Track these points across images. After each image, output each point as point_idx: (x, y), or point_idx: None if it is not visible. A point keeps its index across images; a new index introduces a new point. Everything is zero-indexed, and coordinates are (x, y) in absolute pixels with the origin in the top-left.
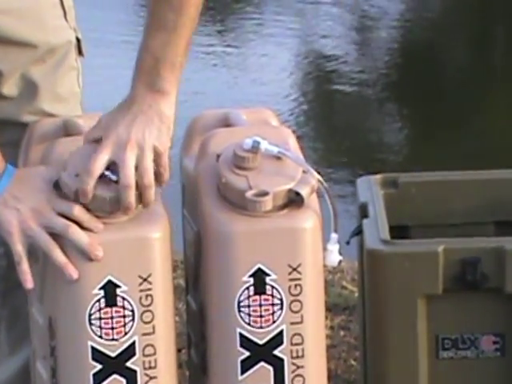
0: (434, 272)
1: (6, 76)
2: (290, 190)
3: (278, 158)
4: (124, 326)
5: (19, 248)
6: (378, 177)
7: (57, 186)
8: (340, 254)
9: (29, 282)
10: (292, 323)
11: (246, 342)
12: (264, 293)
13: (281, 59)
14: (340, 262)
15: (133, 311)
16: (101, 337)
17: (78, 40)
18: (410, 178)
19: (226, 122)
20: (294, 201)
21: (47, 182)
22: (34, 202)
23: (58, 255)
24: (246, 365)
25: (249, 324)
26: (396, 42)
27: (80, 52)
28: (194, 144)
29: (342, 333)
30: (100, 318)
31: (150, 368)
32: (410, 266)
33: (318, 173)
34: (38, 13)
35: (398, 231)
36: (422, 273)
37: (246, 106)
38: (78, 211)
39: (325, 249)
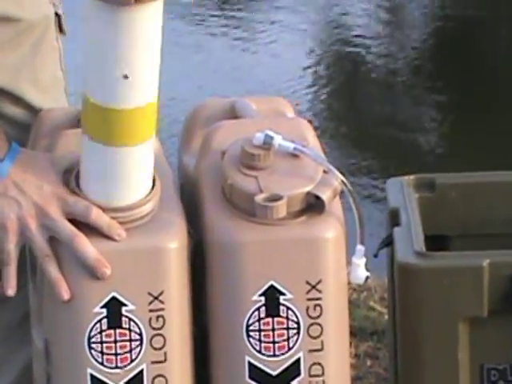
0: (479, 290)
1: None
2: (308, 194)
3: (293, 155)
4: (130, 351)
5: (11, 247)
6: (412, 178)
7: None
8: (367, 269)
9: (11, 288)
10: (310, 351)
11: (256, 372)
12: (277, 315)
13: (301, 44)
14: (367, 278)
15: (141, 334)
16: (102, 364)
17: (57, 16)
18: (449, 179)
19: (233, 113)
20: (312, 206)
21: (58, 173)
22: (40, 197)
23: (51, 269)
24: None
25: (259, 351)
26: (430, 23)
27: (61, 29)
28: (194, 139)
29: (369, 362)
30: (102, 342)
31: None
32: (449, 283)
33: (341, 173)
34: None
35: (436, 242)
36: (464, 291)
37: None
38: (96, 214)
39: (349, 263)
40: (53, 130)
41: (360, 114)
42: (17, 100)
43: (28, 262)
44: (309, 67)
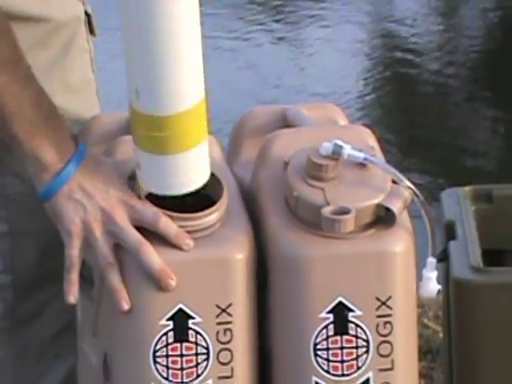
0: None
1: None
2: (377, 206)
3: (361, 165)
4: (196, 366)
5: (75, 253)
6: (468, 189)
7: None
8: (439, 282)
9: (73, 295)
10: (381, 370)
11: None
12: (346, 333)
13: (350, 46)
14: (439, 291)
15: (207, 349)
16: (167, 379)
17: (87, 16)
18: (508, 190)
19: (285, 121)
20: (382, 218)
21: (123, 178)
22: (106, 201)
23: (113, 277)
24: None
25: (327, 371)
26: (491, 29)
27: (91, 30)
28: (243, 148)
29: (422, 382)
30: (167, 356)
31: None
32: (507, 299)
33: (412, 183)
34: None
35: (493, 256)
36: None
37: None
38: (165, 222)
39: (419, 277)
40: (103, 136)
41: (414, 124)
42: None
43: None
44: (362, 76)
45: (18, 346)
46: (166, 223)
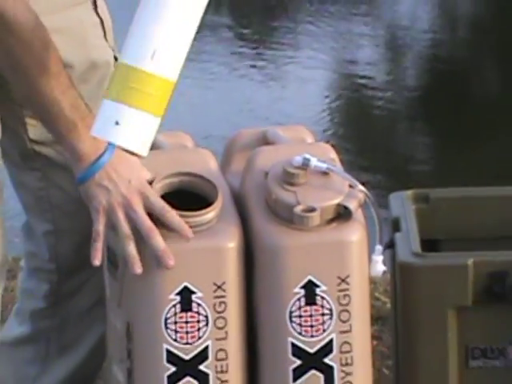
0: (464, 284)
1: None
2: (338, 205)
3: (324, 173)
4: (198, 330)
5: (100, 228)
6: (410, 192)
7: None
8: (384, 264)
9: (97, 259)
10: (341, 332)
11: (297, 351)
12: (314, 303)
13: (314, 82)
14: (384, 272)
15: (207, 317)
16: (176, 340)
17: (116, 59)
18: (441, 193)
19: (265, 140)
20: (341, 215)
21: (145, 171)
22: (127, 189)
23: (130, 248)
24: (298, 373)
25: (300, 334)
26: (427, 61)
27: None
28: (233, 161)
29: (374, 342)
30: (175, 323)
31: (222, 372)
32: (440, 278)
33: (365, 187)
34: (81, 32)
35: (429, 245)
36: (452, 285)
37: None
38: (171, 213)
39: (370, 260)
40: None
41: (368, 142)
42: None
43: (106, 259)
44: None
45: (60, 316)
46: (171, 215)
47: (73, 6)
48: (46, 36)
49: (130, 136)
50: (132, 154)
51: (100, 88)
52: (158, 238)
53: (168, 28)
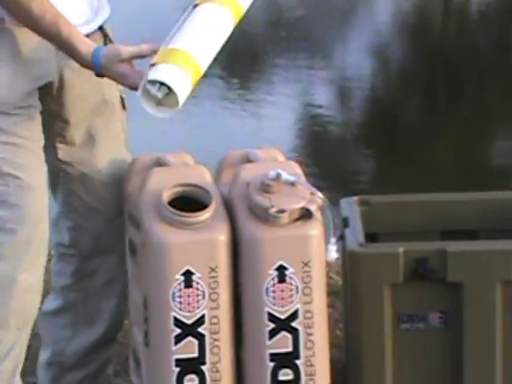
0: (396, 267)
1: (72, 125)
2: (302, 208)
3: (292, 184)
4: (197, 302)
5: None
6: (356, 198)
7: None
8: (337, 252)
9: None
10: (305, 303)
11: (271, 317)
12: (284, 282)
13: (283, 115)
14: (337, 258)
15: (203, 292)
16: (180, 309)
17: (121, 98)
18: (380, 199)
19: (247, 159)
20: (305, 215)
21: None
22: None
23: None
24: (272, 334)
25: (274, 304)
26: (368, 100)
27: (124, 107)
28: (224, 175)
29: (330, 310)
30: (180, 296)
31: (215, 333)
32: (378, 262)
33: (322, 193)
34: None
35: (371, 237)
36: (387, 268)
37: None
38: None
39: (326, 249)
40: (142, 168)
41: (324, 159)
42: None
43: (127, 244)
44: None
45: (84, 290)
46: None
47: None
48: None
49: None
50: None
51: (109, 122)
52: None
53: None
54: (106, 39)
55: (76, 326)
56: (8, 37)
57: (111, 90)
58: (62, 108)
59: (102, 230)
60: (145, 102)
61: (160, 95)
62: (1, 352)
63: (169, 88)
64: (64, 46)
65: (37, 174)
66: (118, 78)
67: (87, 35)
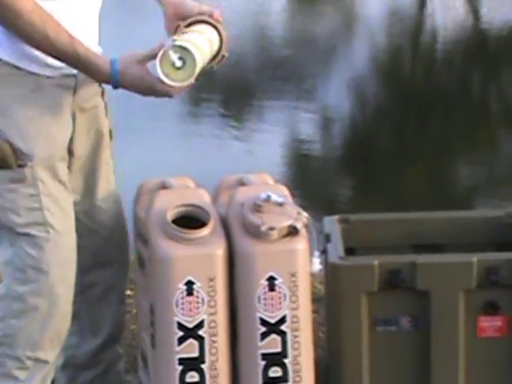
0: (372, 277)
1: (75, 157)
2: (289, 226)
3: (281, 204)
4: (198, 308)
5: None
6: (337, 217)
7: None
8: (321, 264)
9: None
10: (292, 309)
11: (263, 322)
12: (274, 290)
13: (273, 144)
14: (320, 269)
15: (203, 299)
16: (183, 315)
17: (110, 130)
18: (357, 217)
19: (241, 183)
20: (292, 232)
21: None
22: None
23: None
24: (263, 336)
25: (265, 310)
26: (347, 132)
27: (111, 137)
28: (221, 196)
29: (314, 315)
30: (183, 303)
31: (214, 335)
32: (356, 273)
33: (307, 213)
34: (96, 111)
35: (350, 251)
36: (365, 278)
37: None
38: None
39: (311, 261)
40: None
41: (309, 183)
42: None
43: (136, 261)
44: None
45: (86, 300)
46: None
47: (95, 95)
48: (42, 11)
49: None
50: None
51: (101, 151)
52: None
53: None
54: None
55: (82, 333)
56: (45, 92)
57: (104, 122)
58: (71, 142)
59: (99, 248)
60: (160, 67)
61: (179, 63)
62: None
63: (184, 62)
64: (82, 63)
65: (70, 219)
66: (136, 81)
67: None
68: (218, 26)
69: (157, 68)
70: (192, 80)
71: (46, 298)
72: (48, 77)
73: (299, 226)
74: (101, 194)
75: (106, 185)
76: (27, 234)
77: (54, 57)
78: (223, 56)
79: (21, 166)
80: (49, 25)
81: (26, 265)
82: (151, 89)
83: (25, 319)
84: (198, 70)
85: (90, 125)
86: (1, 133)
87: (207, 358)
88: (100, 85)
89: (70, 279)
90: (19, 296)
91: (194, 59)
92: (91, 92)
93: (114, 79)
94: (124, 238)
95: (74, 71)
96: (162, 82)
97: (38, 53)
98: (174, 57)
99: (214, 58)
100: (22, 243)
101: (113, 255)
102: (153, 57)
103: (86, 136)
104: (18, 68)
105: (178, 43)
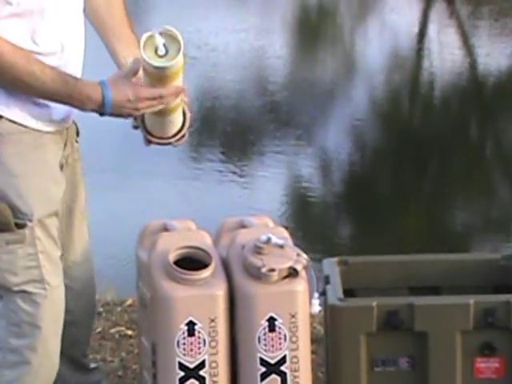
0: (371, 318)
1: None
2: (289, 267)
3: (281, 246)
4: (199, 348)
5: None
6: (336, 258)
7: None
8: (320, 305)
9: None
10: (291, 349)
11: (263, 362)
12: (274, 331)
13: (273, 187)
14: (320, 311)
15: (204, 340)
16: (184, 355)
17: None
18: (356, 259)
19: (242, 225)
20: (292, 273)
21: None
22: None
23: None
24: (263, 376)
25: (265, 351)
26: (346, 174)
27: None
28: (222, 239)
29: (313, 356)
30: (184, 343)
31: (215, 376)
32: (355, 314)
33: (306, 254)
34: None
35: (348, 293)
36: (363, 319)
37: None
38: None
39: (310, 302)
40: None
41: (309, 225)
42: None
43: (138, 301)
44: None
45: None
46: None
47: (76, 150)
48: (23, 52)
49: None
50: None
51: (78, 207)
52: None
53: None
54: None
55: None
56: (46, 148)
57: (79, 175)
58: None
59: (68, 303)
60: (143, 48)
61: (163, 51)
62: None
63: (167, 51)
64: (72, 93)
65: (61, 272)
66: (130, 91)
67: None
68: (183, 105)
69: (140, 48)
70: (171, 65)
71: (40, 351)
72: (48, 132)
73: (299, 267)
74: (75, 249)
75: (80, 239)
76: (23, 291)
77: (46, 95)
78: (183, 135)
79: (20, 227)
80: (33, 64)
81: (21, 320)
82: (150, 93)
83: (18, 371)
84: (178, 64)
85: (69, 179)
86: (1, 194)
87: None
88: (77, 140)
89: (60, 331)
90: (15, 349)
91: (178, 49)
92: (75, 146)
93: (106, 101)
94: (93, 293)
95: (68, 124)
96: (144, 61)
97: (43, 109)
98: (159, 41)
99: (175, 135)
100: (17, 300)
101: (80, 311)
102: (135, 72)
103: (66, 189)
104: (22, 125)
105: (168, 28)
